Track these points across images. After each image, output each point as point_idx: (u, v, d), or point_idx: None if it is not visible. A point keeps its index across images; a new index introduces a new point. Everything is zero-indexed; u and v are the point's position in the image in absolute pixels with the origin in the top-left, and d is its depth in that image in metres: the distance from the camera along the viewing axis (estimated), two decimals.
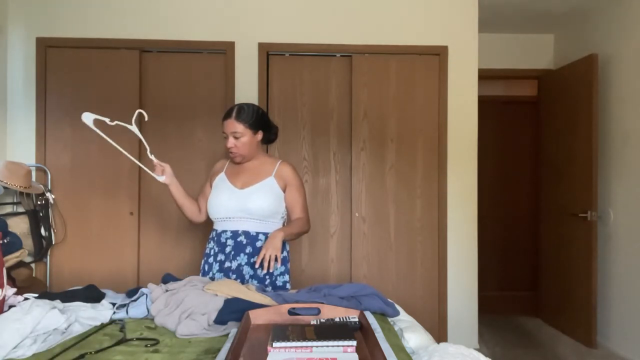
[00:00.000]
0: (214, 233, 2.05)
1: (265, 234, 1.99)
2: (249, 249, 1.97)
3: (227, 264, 1.97)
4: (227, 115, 1.97)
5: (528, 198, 4.90)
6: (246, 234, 1.98)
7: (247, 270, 1.96)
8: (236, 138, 1.95)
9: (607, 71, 3.49)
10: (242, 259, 1.96)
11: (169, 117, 3.19)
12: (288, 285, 2.03)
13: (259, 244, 1.98)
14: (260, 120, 2.01)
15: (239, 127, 1.95)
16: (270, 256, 1.81)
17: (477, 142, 3.32)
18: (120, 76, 3.14)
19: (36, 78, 3.11)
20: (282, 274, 2.02)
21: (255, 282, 1.96)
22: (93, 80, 3.14)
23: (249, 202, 1.95)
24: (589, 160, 3.44)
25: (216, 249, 2.02)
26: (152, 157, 1.96)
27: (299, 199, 2.05)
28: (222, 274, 1.98)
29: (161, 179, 1.97)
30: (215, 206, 2.00)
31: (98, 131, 1.91)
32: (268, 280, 1.98)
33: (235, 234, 1.98)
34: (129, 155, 2.01)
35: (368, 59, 3.26)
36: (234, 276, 1.96)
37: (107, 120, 1.89)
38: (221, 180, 2.05)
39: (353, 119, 3.24)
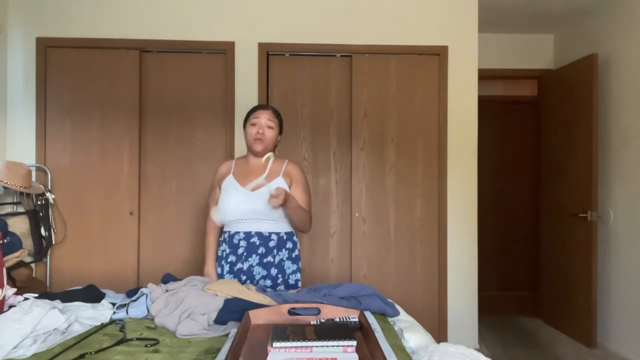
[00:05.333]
0: (226, 235, 2.05)
1: (277, 234, 2.01)
2: (261, 250, 1.98)
3: (238, 265, 1.98)
4: (264, 107, 2.07)
5: (528, 198, 4.91)
6: (259, 234, 1.99)
7: (258, 270, 1.98)
8: (269, 127, 2.02)
9: (607, 71, 3.49)
10: (254, 259, 1.97)
11: (169, 117, 3.19)
12: (299, 284, 2.05)
13: (271, 244, 2.00)
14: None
15: (275, 121, 2.05)
16: (274, 196, 1.83)
17: (477, 142, 3.31)
18: (120, 76, 3.14)
19: (36, 78, 3.11)
20: (294, 272, 2.04)
21: (268, 282, 1.97)
22: (93, 80, 3.14)
23: (260, 203, 1.95)
24: (589, 160, 3.44)
25: (228, 251, 2.02)
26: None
27: (304, 196, 2.04)
28: (232, 275, 1.99)
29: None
30: (226, 209, 1.99)
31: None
32: (281, 279, 2.00)
33: (248, 235, 1.99)
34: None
35: (368, 59, 3.26)
36: (244, 277, 1.97)
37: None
38: (230, 182, 2.04)
39: (353, 119, 3.24)
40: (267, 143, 2.01)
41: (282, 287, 1.99)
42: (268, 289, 1.82)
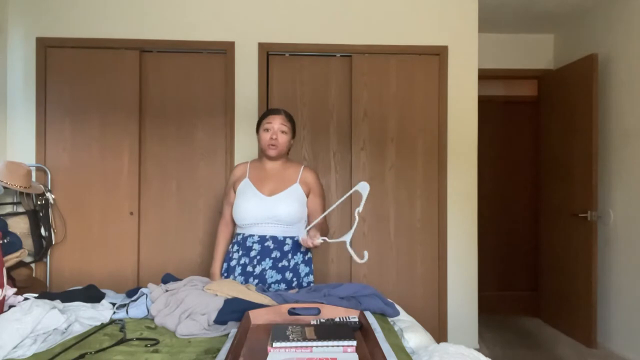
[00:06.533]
0: (240, 237, 2.05)
1: (292, 238, 2.01)
2: (275, 254, 1.97)
3: (249, 268, 1.97)
4: (277, 112, 2.06)
5: (528, 198, 4.91)
6: (274, 238, 1.98)
7: (270, 274, 1.96)
8: (282, 132, 2.03)
9: (607, 71, 3.49)
10: (267, 263, 1.97)
11: (169, 117, 3.19)
12: (312, 285, 2.04)
13: (286, 247, 1.99)
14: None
15: (288, 125, 2.05)
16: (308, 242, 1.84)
17: (477, 142, 3.31)
18: (120, 76, 3.14)
19: (36, 78, 3.11)
20: (307, 274, 2.04)
21: (283, 286, 1.97)
22: (93, 80, 3.14)
23: (277, 209, 1.96)
24: (589, 160, 3.44)
25: (240, 252, 2.02)
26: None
27: (321, 206, 2.09)
28: (243, 277, 1.98)
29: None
30: (242, 213, 2.00)
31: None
32: (295, 283, 2.00)
33: (262, 239, 1.99)
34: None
35: (368, 59, 3.25)
36: (256, 281, 1.96)
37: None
38: (246, 186, 2.04)
39: (353, 119, 3.24)
40: (280, 148, 2.03)
41: (297, 290, 1.99)
42: (268, 290, 1.82)
